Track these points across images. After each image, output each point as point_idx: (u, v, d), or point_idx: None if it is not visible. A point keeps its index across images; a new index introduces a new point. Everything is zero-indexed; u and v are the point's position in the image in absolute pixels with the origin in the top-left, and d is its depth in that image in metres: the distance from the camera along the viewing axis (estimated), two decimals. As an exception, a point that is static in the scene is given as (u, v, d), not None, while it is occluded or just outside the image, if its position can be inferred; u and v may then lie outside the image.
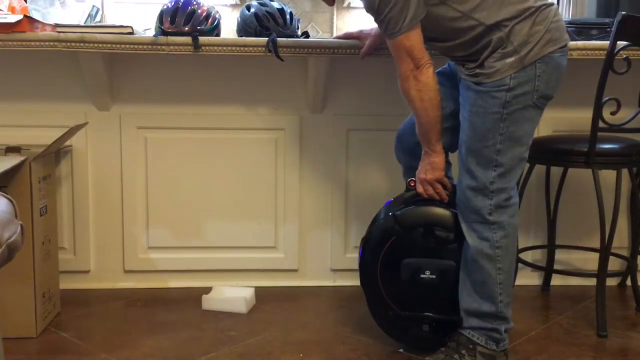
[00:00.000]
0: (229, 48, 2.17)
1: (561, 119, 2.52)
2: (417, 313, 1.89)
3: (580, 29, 2.32)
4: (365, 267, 1.94)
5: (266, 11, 2.30)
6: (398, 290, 1.90)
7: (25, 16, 2.13)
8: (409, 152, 1.99)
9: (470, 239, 1.78)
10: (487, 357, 1.79)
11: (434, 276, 1.86)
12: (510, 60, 1.68)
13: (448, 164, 2.01)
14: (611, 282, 2.51)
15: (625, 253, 2.49)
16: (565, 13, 3.33)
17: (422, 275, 1.87)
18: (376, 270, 1.91)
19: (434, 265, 1.86)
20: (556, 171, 2.45)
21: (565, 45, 1.76)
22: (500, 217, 1.76)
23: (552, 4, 1.74)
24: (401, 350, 1.96)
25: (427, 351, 1.88)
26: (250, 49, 2.17)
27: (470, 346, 1.79)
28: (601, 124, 2.04)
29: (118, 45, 2.14)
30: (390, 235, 1.89)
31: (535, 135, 2.43)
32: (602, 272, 2.12)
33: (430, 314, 1.89)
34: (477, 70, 1.72)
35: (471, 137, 1.76)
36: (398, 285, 1.89)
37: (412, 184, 1.91)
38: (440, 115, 1.79)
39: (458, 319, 1.85)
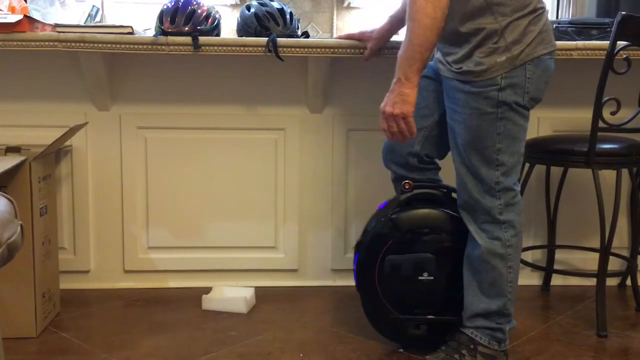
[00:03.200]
0: (229, 48, 2.17)
1: (561, 119, 2.52)
2: (416, 315, 1.90)
3: (580, 29, 2.32)
4: (363, 272, 1.93)
5: (266, 11, 2.30)
6: (396, 293, 1.90)
7: (25, 16, 2.13)
8: (403, 165, 1.96)
9: (481, 239, 1.77)
10: (488, 357, 1.79)
11: (432, 277, 1.87)
12: (501, 59, 1.66)
13: (438, 169, 2.01)
14: (611, 282, 2.51)
15: (625, 253, 2.49)
16: (565, 13, 3.34)
17: (420, 277, 1.87)
18: (374, 274, 1.91)
19: (431, 267, 1.87)
20: (556, 171, 2.45)
21: (554, 51, 1.76)
22: (510, 216, 1.76)
23: (546, 9, 1.74)
24: (401, 350, 1.96)
25: (427, 350, 1.88)
26: (250, 49, 2.17)
27: (472, 346, 1.79)
28: (601, 124, 2.04)
29: (118, 45, 2.14)
30: (387, 239, 1.89)
31: (535, 135, 2.45)
32: (602, 272, 2.12)
33: (429, 316, 1.89)
34: (464, 68, 1.70)
35: (469, 139, 1.74)
36: (397, 288, 1.90)
37: (407, 187, 1.90)
38: (435, 44, 1.66)
39: (455, 320, 1.86)
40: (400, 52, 1.68)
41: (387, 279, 1.90)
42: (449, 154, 1.91)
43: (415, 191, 1.92)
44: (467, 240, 1.84)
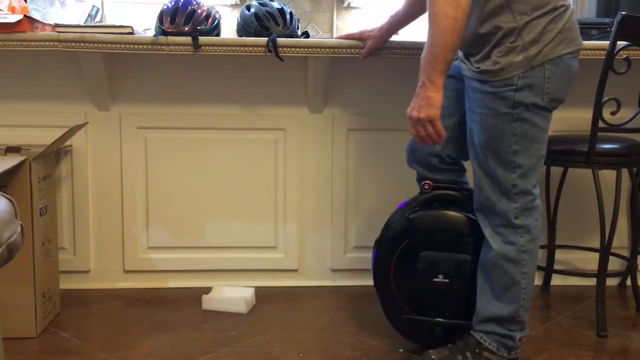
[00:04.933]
0: (229, 48, 2.17)
1: (561, 119, 2.51)
2: (430, 318, 1.88)
3: (580, 29, 2.31)
4: (379, 269, 1.92)
5: (266, 11, 2.30)
6: (411, 293, 1.90)
7: (25, 16, 2.13)
8: (425, 165, 1.94)
9: (495, 243, 1.73)
10: None
11: (447, 280, 1.85)
12: (517, 59, 1.63)
13: (463, 170, 1.98)
14: (611, 282, 2.51)
15: (625, 253, 2.49)
16: (565, 13, 3.33)
17: (435, 279, 1.86)
18: (389, 272, 1.90)
19: (447, 269, 1.85)
20: (556, 171, 2.45)
21: (578, 50, 1.71)
22: (527, 221, 1.72)
23: (570, 7, 1.69)
24: (401, 350, 1.96)
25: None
26: (250, 49, 2.17)
27: (477, 350, 1.77)
28: (601, 124, 2.04)
29: (118, 45, 2.14)
30: (404, 238, 1.88)
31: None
32: (602, 272, 2.12)
33: (442, 320, 1.88)
34: (482, 67, 1.67)
35: (485, 140, 1.71)
36: (411, 288, 1.89)
37: (427, 187, 1.88)
38: (458, 44, 1.63)
39: (469, 325, 1.84)
40: (422, 55, 1.65)
41: (402, 278, 1.89)
42: None
43: (435, 192, 1.89)
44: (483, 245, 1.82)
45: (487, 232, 1.76)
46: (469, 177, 1.95)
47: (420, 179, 1.97)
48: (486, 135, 1.71)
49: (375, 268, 1.94)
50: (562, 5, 1.66)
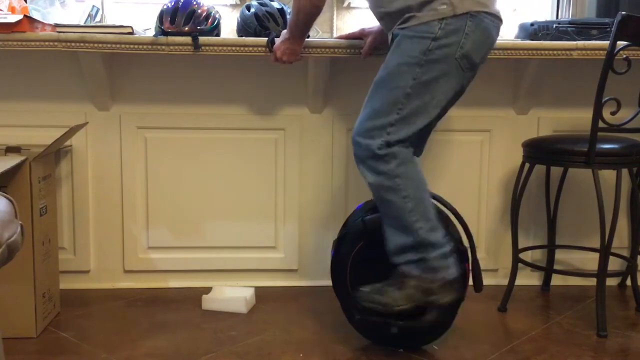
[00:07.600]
0: (229, 48, 2.17)
1: (561, 119, 2.52)
2: (383, 318, 1.88)
3: (580, 29, 2.32)
4: (336, 269, 1.96)
5: (266, 11, 2.30)
6: None
7: (25, 16, 2.14)
8: None
9: (368, 176, 1.78)
10: (419, 289, 1.76)
11: None
12: (442, 7, 1.69)
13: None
14: (611, 282, 2.52)
15: (625, 253, 2.49)
16: (566, 13, 3.34)
17: None
18: (345, 273, 1.93)
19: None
20: (556, 171, 2.45)
21: (494, 15, 1.77)
22: (391, 150, 1.74)
23: None
24: (401, 350, 1.96)
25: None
26: (250, 49, 2.17)
27: (402, 280, 1.77)
28: (601, 124, 2.04)
29: (118, 45, 2.14)
30: (359, 240, 1.91)
31: (535, 135, 2.45)
32: (602, 272, 2.12)
33: (395, 320, 1.88)
34: (407, 15, 1.74)
35: (384, 76, 1.78)
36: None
37: None
38: (311, 23, 1.97)
39: (422, 324, 1.86)
40: (290, 18, 2.03)
41: (357, 279, 1.91)
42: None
43: None
44: None
45: (361, 168, 1.81)
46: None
47: None
48: (387, 72, 1.77)
49: (332, 269, 1.97)
50: None
